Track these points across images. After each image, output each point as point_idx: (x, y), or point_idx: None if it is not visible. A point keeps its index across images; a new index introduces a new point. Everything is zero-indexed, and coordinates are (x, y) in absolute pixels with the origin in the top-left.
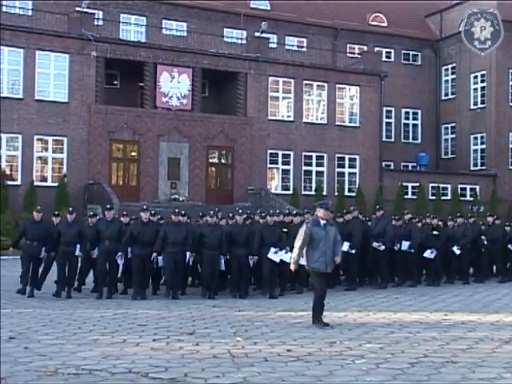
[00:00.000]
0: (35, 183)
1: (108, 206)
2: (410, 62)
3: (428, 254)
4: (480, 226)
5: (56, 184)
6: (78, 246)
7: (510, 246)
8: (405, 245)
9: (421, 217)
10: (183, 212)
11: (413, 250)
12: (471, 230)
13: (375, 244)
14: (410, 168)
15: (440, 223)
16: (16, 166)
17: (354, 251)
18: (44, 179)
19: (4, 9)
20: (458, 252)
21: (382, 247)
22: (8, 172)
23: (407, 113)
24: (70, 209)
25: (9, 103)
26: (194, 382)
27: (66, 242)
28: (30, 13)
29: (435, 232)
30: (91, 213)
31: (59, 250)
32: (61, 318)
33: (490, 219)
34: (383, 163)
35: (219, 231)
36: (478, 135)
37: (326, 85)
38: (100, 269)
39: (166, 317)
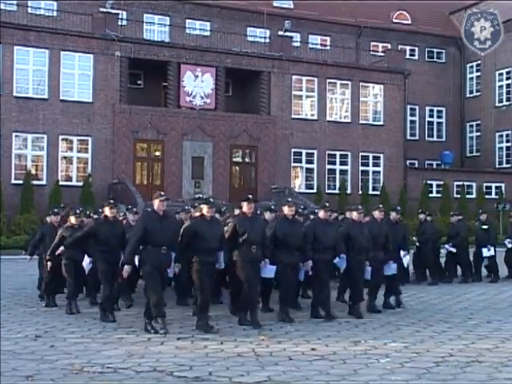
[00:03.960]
0: (60, 183)
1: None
2: (434, 60)
3: (486, 252)
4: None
5: (81, 184)
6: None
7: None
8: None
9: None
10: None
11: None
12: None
13: (447, 246)
14: (434, 166)
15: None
16: (41, 165)
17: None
18: (69, 179)
19: (29, 10)
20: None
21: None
22: (33, 172)
23: (431, 111)
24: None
25: (34, 103)
26: (219, 380)
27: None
28: (54, 14)
29: (484, 226)
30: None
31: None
32: (86, 317)
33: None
34: (407, 161)
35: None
36: (504, 133)
37: (349, 83)
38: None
39: (191, 316)
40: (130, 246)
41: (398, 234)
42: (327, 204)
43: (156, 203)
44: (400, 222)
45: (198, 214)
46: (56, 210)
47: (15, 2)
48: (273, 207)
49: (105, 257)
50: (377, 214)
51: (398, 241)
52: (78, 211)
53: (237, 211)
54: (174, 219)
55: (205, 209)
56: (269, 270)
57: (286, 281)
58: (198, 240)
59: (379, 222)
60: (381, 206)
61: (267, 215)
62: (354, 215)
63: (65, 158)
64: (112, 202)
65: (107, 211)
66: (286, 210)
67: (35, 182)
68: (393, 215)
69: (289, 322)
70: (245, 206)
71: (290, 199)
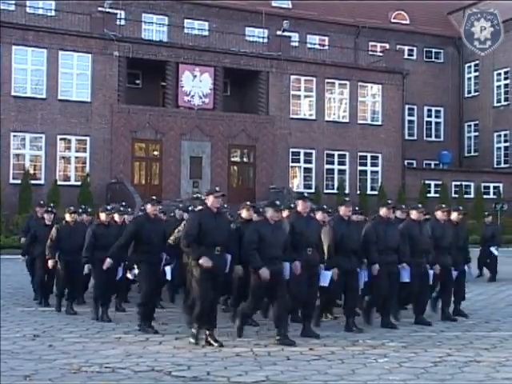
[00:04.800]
0: (58, 182)
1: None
2: (433, 60)
3: (495, 251)
4: None
5: (79, 183)
6: None
7: None
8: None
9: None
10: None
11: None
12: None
13: (493, 249)
14: (432, 166)
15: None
16: (39, 165)
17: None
18: (67, 178)
19: (27, 9)
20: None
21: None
22: (32, 171)
23: (430, 111)
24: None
25: (32, 103)
26: (217, 380)
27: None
28: (52, 13)
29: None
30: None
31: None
32: (84, 317)
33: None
34: (406, 161)
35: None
36: (502, 133)
37: (347, 83)
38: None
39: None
40: (191, 247)
41: (460, 236)
42: (390, 201)
43: (210, 199)
44: (462, 223)
45: (243, 214)
46: (42, 203)
47: (13, 2)
48: (325, 207)
49: (147, 257)
50: (439, 214)
51: (460, 244)
52: (108, 207)
53: (244, 213)
54: (228, 217)
55: (270, 211)
56: (325, 277)
57: (350, 289)
58: (261, 246)
59: (442, 223)
60: (443, 205)
61: (319, 215)
62: (414, 214)
63: (63, 157)
64: (154, 198)
65: (149, 208)
66: (342, 209)
67: (33, 182)
68: (454, 215)
69: (359, 332)
70: (300, 205)
71: (347, 198)
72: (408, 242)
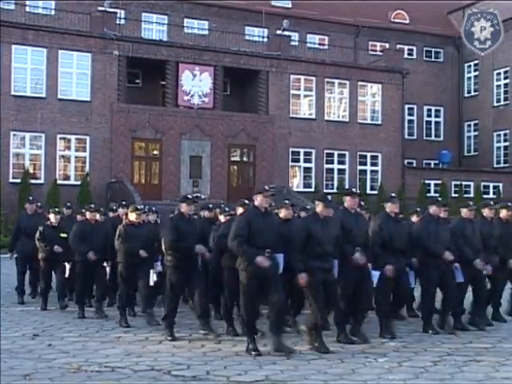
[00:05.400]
0: (58, 182)
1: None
2: (432, 59)
3: None
4: None
5: (79, 182)
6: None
7: None
8: None
9: None
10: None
11: None
12: None
13: None
14: (432, 166)
15: None
16: (39, 164)
17: None
18: (67, 178)
19: (27, 9)
20: None
21: None
22: (31, 171)
23: (429, 110)
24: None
25: (32, 102)
26: (217, 379)
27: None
28: (52, 12)
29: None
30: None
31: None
32: (86, 316)
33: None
34: (405, 161)
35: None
36: (501, 132)
37: (347, 82)
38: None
39: (189, 315)
40: (241, 249)
41: (510, 234)
42: (439, 198)
43: (259, 198)
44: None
45: (282, 213)
46: (31, 198)
47: (13, 1)
48: (362, 203)
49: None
50: (487, 211)
51: (510, 243)
52: (138, 206)
53: (282, 212)
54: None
55: (320, 206)
56: (373, 277)
57: (399, 290)
58: (310, 243)
59: (490, 220)
60: (491, 202)
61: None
62: (465, 212)
63: (63, 156)
64: (189, 197)
65: (184, 207)
66: (389, 206)
67: (33, 181)
68: (503, 213)
69: (391, 339)
70: (348, 201)
71: (393, 194)
72: (461, 242)
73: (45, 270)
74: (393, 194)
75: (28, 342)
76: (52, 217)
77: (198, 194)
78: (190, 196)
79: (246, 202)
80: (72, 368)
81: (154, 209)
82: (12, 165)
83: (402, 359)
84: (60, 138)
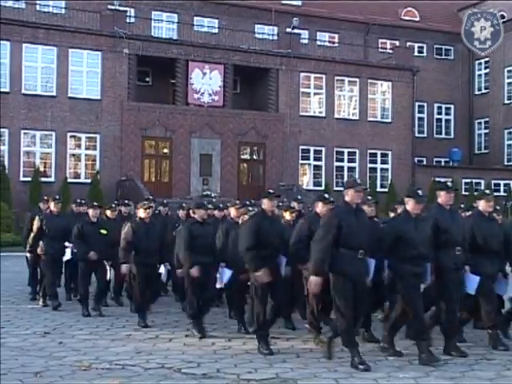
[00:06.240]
0: (68, 180)
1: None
2: (443, 57)
3: None
4: None
5: (89, 181)
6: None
7: None
8: None
9: None
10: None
11: None
12: None
13: None
14: (442, 163)
15: None
16: (50, 163)
17: None
18: (77, 176)
19: (38, 7)
20: None
21: None
22: (42, 169)
23: (440, 108)
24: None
25: (42, 101)
26: (227, 377)
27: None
28: (62, 11)
29: None
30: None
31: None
32: (94, 314)
33: None
34: (416, 159)
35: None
36: None
37: (357, 80)
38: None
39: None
40: (320, 252)
41: None
42: (487, 191)
43: (350, 193)
44: None
45: (319, 208)
46: (57, 197)
47: (24, 0)
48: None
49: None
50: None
51: None
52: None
53: (320, 206)
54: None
55: (411, 203)
56: (472, 282)
57: (491, 297)
58: (401, 245)
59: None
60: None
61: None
62: (482, 205)
63: (73, 155)
64: (272, 191)
65: (266, 204)
66: (483, 204)
67: (44, 180)
68: None
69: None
70: (442, 196)
71: (488, 191)
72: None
73: (84, 272)
74: (487, 191)
75: (39, 340)
76: (91, 212)
77: (208, 192)
78: (271, 191)
79: (326, 196)
80: (82, 366)
81: (165, 201)
82: (23, 163)
83: (412, 357)
84: (70, 137)
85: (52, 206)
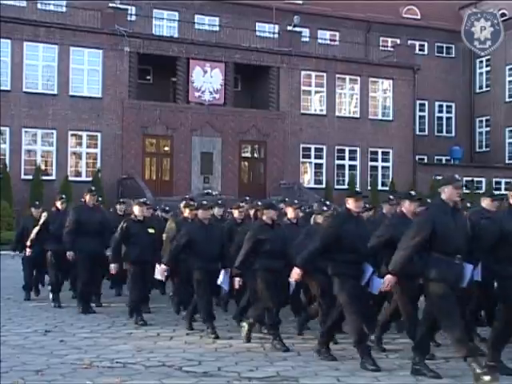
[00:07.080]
0: (69, 178)
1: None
2: (444, 55)
3: None
4: None
5: (90, 179)
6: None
7: None
8: None
9: None
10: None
11: None
12: None
13: None
14: (443, 162)
15: None
16: (51, 161)
17: None
18: (78, 174)
19: (39, 6)
20: None
21: None
22: (43, 167)
23: (441, 106)
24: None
25: (43, 99)
26: (228, 375)
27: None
28: (63, 9)
29: None
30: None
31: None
32: (96, 313)
33: None
34: (417, 157)
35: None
36: None
37: (358, 78)
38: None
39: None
40: (406, 252)
41: None
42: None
43: (448, 190)
44: None
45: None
46: (93, 189)
47: None
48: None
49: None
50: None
51: None
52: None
53: (407, 204)
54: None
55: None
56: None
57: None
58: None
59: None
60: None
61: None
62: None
63: (74, 153)
64: (205, 191)
65: (352, 204)
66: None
67: (45, 178)
68: None
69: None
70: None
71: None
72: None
73: (134, 274)
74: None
75: (40, 338)
76: (137, 209)
77: (209, 191)
78: (358, 190)
79: (412, 193)
80: (84, 364)
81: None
82: (24, 161)
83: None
84: (71, 135)
85: (87, 198)
